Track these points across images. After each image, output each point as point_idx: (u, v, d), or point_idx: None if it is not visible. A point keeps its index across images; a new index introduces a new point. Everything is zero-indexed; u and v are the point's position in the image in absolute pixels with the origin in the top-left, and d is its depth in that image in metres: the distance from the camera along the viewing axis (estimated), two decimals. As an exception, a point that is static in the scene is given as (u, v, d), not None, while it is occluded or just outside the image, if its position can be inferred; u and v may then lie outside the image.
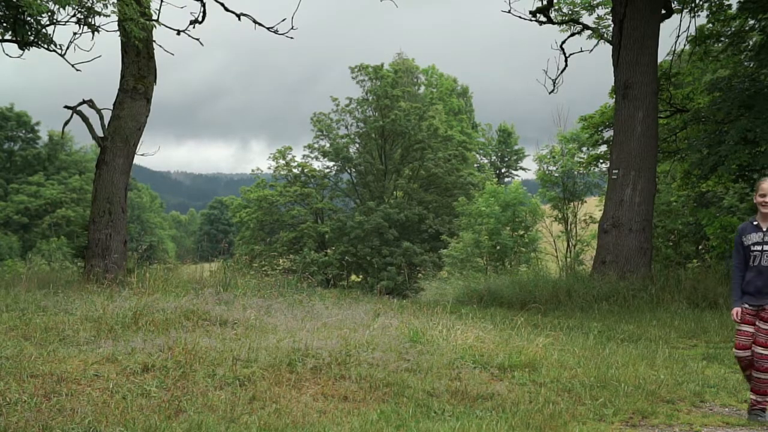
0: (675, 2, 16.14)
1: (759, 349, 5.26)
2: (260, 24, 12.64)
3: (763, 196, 5.24)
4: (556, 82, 17.59)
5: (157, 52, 11.75)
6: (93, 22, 10.06)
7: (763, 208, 5.26)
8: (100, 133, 11.45)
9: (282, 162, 40.16)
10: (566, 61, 17.66)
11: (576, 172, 29.19)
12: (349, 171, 41.46)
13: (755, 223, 5.38)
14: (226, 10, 12.46)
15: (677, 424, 5.17)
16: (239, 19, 12.53)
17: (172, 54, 12.47)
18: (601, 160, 21.59)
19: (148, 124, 11.71)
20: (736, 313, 5.40)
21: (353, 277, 37.03)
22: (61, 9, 9.43)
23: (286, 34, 12.66)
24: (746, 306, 5.37)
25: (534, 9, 16.78)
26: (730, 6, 16.25)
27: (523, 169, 56.95)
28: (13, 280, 10.14)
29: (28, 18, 9.66)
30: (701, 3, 16.55)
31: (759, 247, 5.29)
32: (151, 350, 5.78)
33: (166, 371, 5.30)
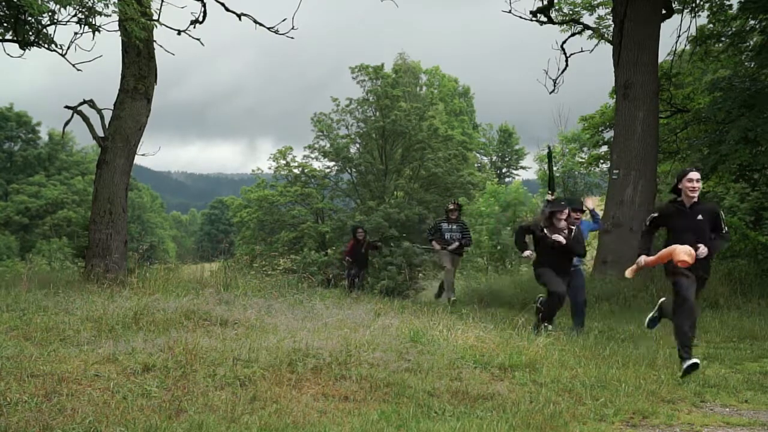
0: (675, 2, 16.14)
1: None
2: (260, 24, 12.61)
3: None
4: (557, 82, 17.63)
5: (165, 54, 11.74)
6: (94, 22, 10.03)
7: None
8: (100, 133, 11.44)
9: (282, 162, 40.15)
10: (567, 61, 17.69)
11: (577, 172, 29.23)
12: (349, 171, 41.42)
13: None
14: (227, 10, 12.44)
15: (678, 424, 5.16)
16: (240, 19, 12.50)
17: (173, 54, 12.43)
18: (601, 161, 21.62)
19: (155, 125, 11.70)
20: None
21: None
22: (61, 9, 9.40)
23: (287, 34, 12.65)
24: None
25: (534, 9, 16.81)
26: (730, 6, 16.26)
27: (524, 168, 56.95)
28: (13, 280, 10.11)
29: (29, 18, 9.65)
30: (702, 3, 16.57)
31: None
32: (151, 350, 5.78)
33: (166, 371, 5.30)
